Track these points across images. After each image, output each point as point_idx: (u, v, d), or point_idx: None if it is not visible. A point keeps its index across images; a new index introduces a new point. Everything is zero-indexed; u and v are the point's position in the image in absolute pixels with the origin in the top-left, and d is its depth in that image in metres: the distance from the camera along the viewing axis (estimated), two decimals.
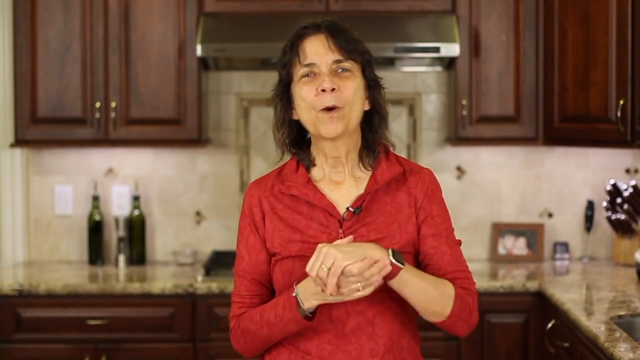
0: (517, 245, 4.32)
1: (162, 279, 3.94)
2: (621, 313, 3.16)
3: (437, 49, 3.93)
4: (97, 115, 4.06)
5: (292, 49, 2.09)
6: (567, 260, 4.32)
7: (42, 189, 4.38)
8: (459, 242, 2.15)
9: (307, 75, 2.07)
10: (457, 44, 3.93)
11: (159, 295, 3.83)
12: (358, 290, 1.92)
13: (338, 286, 1.91)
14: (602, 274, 4.01)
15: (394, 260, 1.94)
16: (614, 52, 3.67)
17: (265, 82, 4.33)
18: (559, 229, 4.39)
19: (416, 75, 4.38)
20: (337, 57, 2.06)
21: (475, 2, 4.05)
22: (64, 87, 4.06)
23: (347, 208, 2.09)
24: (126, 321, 3.82)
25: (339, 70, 2.06)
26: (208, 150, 4.37)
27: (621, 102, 3.63)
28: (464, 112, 4.06)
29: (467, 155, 4.38)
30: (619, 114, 3.63)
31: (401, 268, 1.95)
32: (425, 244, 2.10)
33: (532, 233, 4.31)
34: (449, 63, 4.18)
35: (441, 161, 4.37)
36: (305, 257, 2.01)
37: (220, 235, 4.40)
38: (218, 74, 4.37)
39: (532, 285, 3.80)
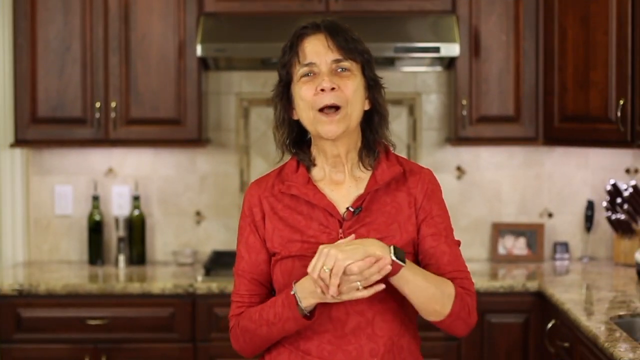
0: (517, 245, 4.32)
1: (162, 279, 3.94)
2: (621, 313, 3.16)
3: (437, 49, 3.93)
4: (97, 115, 4.06)
5: (292, 49, 2.09)
6: (567, 260, 4.32)
7: (42, 189, 4.38)
8: (458, 243, 2.15)
9: (307, 75, 2.07)
10: (457, 44, 3.93)
11: (159, 295, 3.83)
12: (357, 289, 1.93)
13: (338, 286, 1.91)
14: (602, 274, 4.01)
15: (395, 258, 1.94)
16: (614, 52, 3.67)
17: (265, 82, 4.33)
18: (559, 229, 4.39)
19: (416, 75, 4.38)
20: (337, 56, 2.06)
21: (475, 2, 4.05)
22: (64, 87, 4.06)
23: (347, 208, 2.09)
24: (126, 321, 3.82)
25: (339, 70, 2.07)
26: (208, 150, 4.37)
27: (621, 102, 3.63)
28: (464, 112, 4.06)
29: (467, 155, 4.38)
30: (619, 114, 3.63)
31: (402, 266, 1.95)
32: (424, 244, 2.10)
33: (532, 233, 4.31)
34: (449, 63, 4.18)
35: (441, 161, 4.37)
36: (305, 257, 2.02)
37: (220, 235, 4.40)
38: (218, 74, 4.37)
39: (532, 285, 3.80)
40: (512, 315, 3.83)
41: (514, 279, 3.90)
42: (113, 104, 4.05)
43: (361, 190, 2.11)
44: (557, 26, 3.95)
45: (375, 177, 2.11)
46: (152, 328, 3.82)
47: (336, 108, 2.05)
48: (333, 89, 2.04)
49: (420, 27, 4.01)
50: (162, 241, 4.41)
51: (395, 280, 1.98)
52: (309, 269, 1.92)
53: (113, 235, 4.36)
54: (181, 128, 4.08)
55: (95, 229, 4.29)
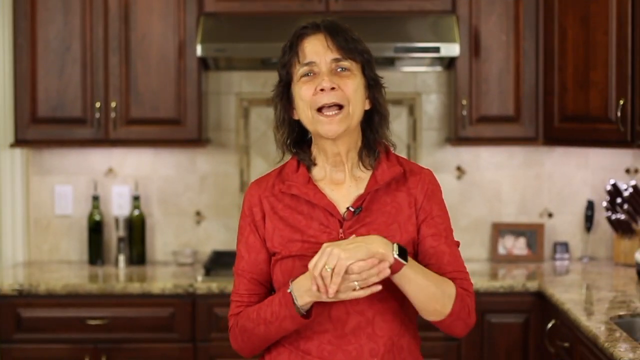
0: (517, 245, 4.32)
1: (162, 279, 3.94)
2: (621, 313, 3.16)
3: (437, 49, 3.93)
4: (97, 115, 4.06)
5: (292, 49, 2.09)
6: (567, 260, 4.32)
7: (42, 189, 4.38)
8: (458, 244, 2.15)
9: (307, 74, 2.07)
10: (457, 44, 3.93)
11: (159, 295, 3.83)
12: (354, 289, 1.92)
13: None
14: (602, 274, 4.01)
15: (397, 256, 1.94)
16: (614, 52, 3.67)
17: (265, 82, 4.33)
18: (559, 229, 4.39)
19: (416, 75, 4.38)
20: (336, 56, 2.06)
21: (475, 2, 4.05)
22: (64, 87, 4.06)
23: (348, 208, 2.09)
24: (126, 321, 3.82)
25: (339, 70, 2.07)
26: (208, 150, 4.37)
27: (621, 102, 3.63)
28: (464, 112, 4.06)
29: (467, 155, 4.38)
30: (619, 114, 3.63)
31: (404, 264, 1.95)
32: (424, 244, 2.10)
33: (532, 233, 4.31)
34: (449, 63, 4.18)
35: (441, 161, 4.37)
36: (305, 257, 2.02)
37: (220, 235, 4.40)
38: (218, 74, 4.37)
39: (532, 285, 3.80)
40: (512, 315, 3.83)
41: (514, 279, 3.90)
42: (113, 104, 4.05)
43: (361, 190, 2.11)
44: (557, 26, 3.95)
45: (375, 177, 2.11)
46: (152, 328, 3.82)
47: (339, 107, 2.05)
48: (333, 88, 2.04)
49: (420, 27, 4.01)
50: (162, 241, 4.41)
51: (396, 278, 1.98)
52: (310, 266, 1.92)
53: (113, 235, 4.36)
54: (181, 128, 4.08)
55: (95, 229, 4.29)
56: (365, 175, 2.14)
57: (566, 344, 3.31)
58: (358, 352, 2.04)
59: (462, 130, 4.07)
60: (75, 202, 4.38)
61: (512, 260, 4.30)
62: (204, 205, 4.40)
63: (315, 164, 2.15)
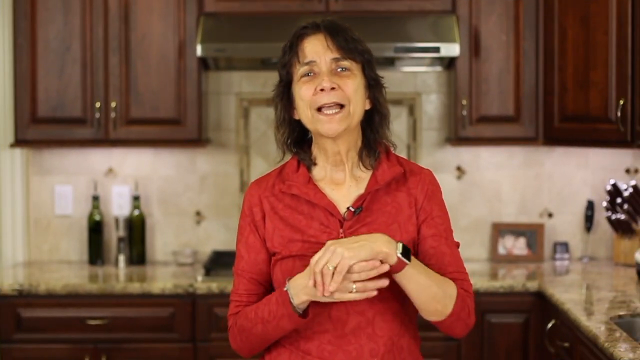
0: (517, 245, 4.32)
1: (162, 279, 3.94)
2: (621, 313, 3.16)
3: (437, 49, 3.93)
4: (97, 115, 4.06)
5: (292, 49, 2.09)
6: (567, 260, 4.32)
7: (42, 189, 4.38)
8: (458, 244, 2.15)
9: (307, 74, 2.07)
10: (457, 44, 3.93)
11: (159, 295, 3.83)
12: (351, 292, 1.92)
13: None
14: (602, 274, 4.01)
15: (400, 255, 1.93)
16: (614, 52, 3.67)
17: (265, 82, 4.33)
18: (559, 229, 4.39)
19: (416, 75, 4.38)
20: (336, 55, 2.06)
21: (475, 2, 4.05)
22: (64, 87, 4.06)
23: (348, 208, 2.09)
24: (126, 321, 3.82)
25: (339, 70, 2.07)
26: (208, 150, 4.37)
27: (621, 102, 3.63)
28: (464, 112, 4.06)
29: (467, 155, 4.38)
30: (619, 114, 3.63)
31: (407, 264, 1.95)
32: (425, 244, 2.10)
33: (532, 233, 4.31)
34: (449, 63, 4.18)
35: (441, 161, 4.37)
36: (305, 257, 2.02)
37: (220, 235, 4.40)
38: (218, 74, 4.37)
39: (532, 285, 3.80)
40: (512, 315, 3.83)
41: (514, 279, 3.90)
42: (113, 104, 4.05)
43: (361, 190, 2.11)
44: (557, 26, 3.95)
45: (375, 177, 2.11)
46: (152, 328, 3.82)
47: (340, 106, 2.05)
48: (333, 88, 2.05)
49: (420, 27, 4.01)
50: (162, 241, 4.41)
51: (399, 277, 1.98)
52: (312, 261, 1.92)
53: (113, 235, 4.36)
54: (181, 128, 4.08)
55: (95, 229, 4.29)
56: (365, 175, 2.14)
57: (566, 344, 3.31)
58: (358, 352, 2.04)
59: (462, 130, 4.07)
60: (75, 202, 4.38)
61: (512, 260, 4.30)
62: (204, 205, 4.40)
63: (315, 164, 2.15)
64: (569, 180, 4.37)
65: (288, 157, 2.18)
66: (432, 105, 4.38)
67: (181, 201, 4.40)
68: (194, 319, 3.83)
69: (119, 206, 4.36)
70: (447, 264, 2.09)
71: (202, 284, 3.82)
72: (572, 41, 3.88)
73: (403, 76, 4.37)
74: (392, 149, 2.17)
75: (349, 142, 2.11)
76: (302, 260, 2.03)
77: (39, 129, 4.07)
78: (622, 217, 4.15)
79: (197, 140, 4.08)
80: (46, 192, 4.38)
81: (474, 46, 4.05)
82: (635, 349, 2.65)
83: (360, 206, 2.09)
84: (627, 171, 4.32)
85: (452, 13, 4.05)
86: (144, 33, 4.06)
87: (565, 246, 4.33)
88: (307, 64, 2.07)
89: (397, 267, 1.95)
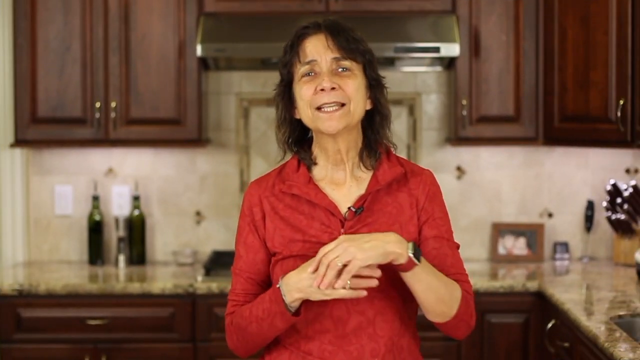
0: (517, 245, 4.32)
1: (162, 279, 3.94)
2: (621, 313, 3.16)
3: (437, 49, 3.93)
4: (97, 115, 4.06)
5: (293, 49, 2.09)
6: (567, 260, 4.32)
7: (42, 189, 4.38)
8: (458, 246, 2.15)
9: (308, 74, 2.07)
10: (457, 44, 3.93)
11: (159, 295, 3.83)
12: (344, 287, 1.92)
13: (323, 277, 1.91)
14: (602, 274, 4.01)
15: (412, 255, 1.93)
16: (614, 52, 3.67)
17: (265, 82, 4.33)
18: (559, 229, 4.39)
19: (416, 75, 4.38)
20: (337, 55, 2.06)
21: (475, 2, 4.05)
22: (64, 87, 4.06)
23: (349, 208, 2.09)
24: (126, 321, 3.82)
25: (340, 70, 2.07)
26: (208, 150, 4.37)
27: (621, 102, 3.63)
28: (464, 112, 4.06)
29: (467, 155, 4.38)
30: (619, 114, 3.63)
31: (416, 264, 1.95)
32: (427, 245, 2.09)
33: (532, 233, 4.31)
34: (449, 63, 4.18)
35: (441, 161, 4.37)
36: (306, 257, 2.02)
37: (220, 235, 4.40)
38: (218, 74, 4.37)
39: (532, 285, 3.80)
40: (512, 315, 3.83)
41: (514, 279, 3.90)
42: (113, 104, 4.05)
43: (362, 191, 2.11)
44: (557, 26, 3.95)
45: (376, 177, 2.11)
46: (152, 328, 3.82)
47: (341, 105, 2.05)
48: (333, 88, 2.04)
49: (420, 27, 4.01)
50: (162, 241, 4.41)
51: (407, 277, 1.97)
52: (321, 252, 1.91)
53: (113, 235, 4.36)
54: (181, 128, 4.08)
55: (95, 229, 4.29)
56: (366, 175, 2.14)
57: (566, 344, 3.31)
58: (359, 352, 2.04)
59: (462, 130, 4.07)
60: (75, 202, 4.38)
61: (512, 260, 4.30)
62: (204, 205, 4.40)
63: (315, 164, 2.15)
64: (569, 180, 4.37)
65: (289, 156, 2.18)
66: (432, 105, 4.38)
67: (181, 201, 4.40)
68: (194, 319, 3.83)
69: (119, 206, 4.36)
70: (449, 265, 2.09)
71: (202, 284, 3.82)
72: (572, 41, 3.88)
73: (403, 76, 4.37)
74: (392, 149, 2.17)
75: (349, 141, 2.11)
76: (302, 260, 2.03)
77: (39, 129, 4.07)
78: (622, 217, 4.15)
79: (197, 140, 4.08)
80: (46, 192, 4.38)
81: (474, 46, 4.06)
82: (635, 349, 2.65)
83: (362, 206, 2.09)
84: (627, 171, 4.32)
85: (452, 13, 4.05)
86: (144, 33, 4.06)
87: (565, 246, 4.33)
88: (307, 63, 2.07)
89: (407, 267, 1.95)
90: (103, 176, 4.37)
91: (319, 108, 2.05)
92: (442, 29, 3.98)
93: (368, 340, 2.05)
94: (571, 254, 4.37)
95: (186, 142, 4.09)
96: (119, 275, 4.07)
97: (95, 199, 4.29)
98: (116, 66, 4.05)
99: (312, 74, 2.07)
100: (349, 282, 1.91)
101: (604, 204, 4.24)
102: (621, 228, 4.16)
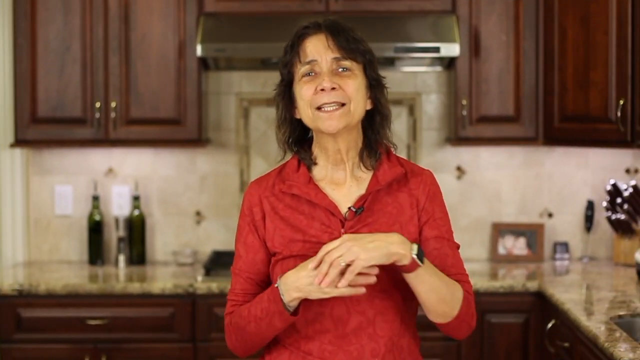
0: (517, 245, 4.32)
1: (162, 279, 3.94)
2: (621, 313, 3.16)
3: (437, 49, 3.93)
4: (97, 115, 4.06)
5: (293, 48, 2.10)
6: (567, 260, 4.32)
7: (42, 189, 4.38)
8: (458, 246, 2.15)
9: (308, 74, 2.07)
10: (457, 44, 3.93)
11: (159, 295, 3.83)
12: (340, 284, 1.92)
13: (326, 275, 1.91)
14: (602, 274, 4.01)
15: (415, 257, 1.94)
16: (614, 52, 3.67)
17: (265, 82, 4.33)
18: (559, 229, 4.39)
19: (416, 75, 4.38)
20: (337, 55, 2.06)
21: (475, 2, 4.05)
22: (64, 87, 4.06)
23: (349, 208, 2.09)
24: (126, 321, 3.82)
25: (340, 70, 2.07)
26: (208, 150, 4.37)
27: (621, 102, 3.63)
28: (464, 112, 4.06)
29: (467, 155, 4.38)
30: (619, 114, 3.63)
31: (419, 265, 1.95)
32: (427, 246, 2.09)
33: (532, 233, 4.31)
34: (449, 63, 4.18)
35: (441, 161, 4.37)
36: (306, 257, 2.01)
37: (220, 235, 4.40)
38: (218, 74, 4.37)
39: (532, 285, 3.80)
40: (512, 315, 3.83)
41: (514, 279, 3.90)
42: (113, 104, 4.05)
43: (362, 191, 2.11)
44: (557, 26, 3.95)
45: (377, 178, 2.11)
46: (152, 328, 3.82)
47: (342, 104, 2.05)
48: (334, 88, 2.04)
49: (420, 27, 4.01)
50: (162, 241, 4.41)
51: (410, 278, 1.98)
52: (323, 250, 1.91)
53: (113, 235, 4.36)
54: (181, 128, 4.08)
55: (95, 229, 4.29)
56: (366, 175, 2.13)
57: (566, 344, 3.31)
58: (359, 352, 2.04)
59: (462, 130, 4.07)
60: (75, 202, 4.38)
61: (512, 260, 4.30)
62: (204, 205, 4.40)
63: (316, 164, 2.15)
64: (569, 180, 4.37)
65: (289, 156, 2.18)
66: (432, 105, 4.38)
67: (181, 201, 4.40)
68: (194, 319, 3.83)
69: (119, 206, 4.36)
70: (450, 265, 2.09)
71: (202, 284, 3.82)
72: (572, 41, 3.88)
73: (403, 76, 4.37)
74: (392, 149, 2.17)
75: (349, 140, 2.11)
76: (303, 260, 2.03)
77: (39, 129, 4.07)
78: (622, 217, 4.15)
79: (197, 140, 4.08)
80: (46, 192, 4.38)
81: (474, 46, 4.05)
82: (635, 349, 2.65)
83: (362, 206, 2.09)
84: (627, 171, 4.32)
85: (452, 13, 4.05)
86: (144, 33, 4.06)
87: (565, 246, 4.33)
88: (308, 63, 2.07)
89: (410, 268, 1.95)
90: (103, 176, 4.37)
91: (319, 108, 2.05)
92: (442, 29, 3.98)
93: (368, 340, 2.05)
94: (571, 254, 4.37)
95: (186, 142, 4.09)
96: (119, 275, 4.07)
97: (95, 199, 4.29)
98: (116, 66, 4.05)
99: (313, 74, 2.07)
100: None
101: (604, 204, 4.24)
102: (621, 228, 4.16)
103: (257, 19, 4.05)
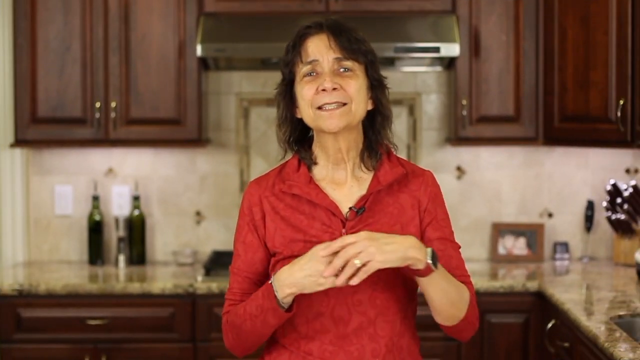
0: (517, 245, 4.32)
1: (162, 279, 3.94)
2: (621, 313, 3.16)
3: (437, 49, 3.93)
4: (97, 115, 4.06)
5: (295, 48, 2.09)
6: (567, 260, 4.32)
7: (42, 189, 4.38)
8: (459, 247, 2.16)
9: (310, 74, 2.07)
10: (457, 44, 3.93)
11: (159, 295, 3.83)
12: (335, 275, 1.91)
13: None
14: (602, 274, 4.01)
15: (430, 261, 1.93)
16: (614, 52, 3.67)
17: (265, 82, 4.33)
18: (559, 229, 4.39)
19: (416, 75, 4.38)
20: (338, 55, 2.06)
21: (475, 2, 4.05)
22: (64, 87, 4.06)
23: (350, 208, 2.09)
24: (126, 321, 3.82)
25: (341, 70, 2.07)
26: (208, 150, 4.37)
27: (621, 102, 3.63)
28: (464, 112, 4.06)
29: (467, 155, 4.38)
30: (619, 114, 3.63)
31: (433, 270, 1.95)
32: (431, 247, 2.09)
33: (532, 233, 4.31)
34: (449, 63, 4.18)
35: (441, 161, 4.37)
36: None
37: (220, 235, 4.40)
38: (218, 74, 4.37)
39: (532, 285, 3.80)
40: (512, 315, 3.83)
41: (514, 279, 3.90)
42: (113, 104, 4.05)
43: (363, 191, 2.11)
44: (557, 26, 3.95)
45: (378, 178, 2.11)
46: (152, 328, 3.82)
47: (343, 104, 2.05)
48: (335, 89, 2.04)
49: (420, 27, 4.01)
50: (162, 241, 4.41)
51: (423, 282, 1.97)
52: (340, 240, 1.90)
53: (113, 235, 4.36)
54: (181, 128, 4.08)
55: (95, 229, 4.29)
56: (367, 176, 2.13)
57: (566, 344, 3.31)
58: (360, 352, 2.04)
59: (462, 130, 4.07)
60: (75, 202, 4.38)
61: (512, 260, 4.30)
62: (204, 205, 4.40)
63: (316, 163, 2.15)
64: (569, 180, 4.37)
65: (289, 156, 2.18)
66: (432, 105, 4.38)
67: (181, 201, 4.40)
68: (194, 319, 3.83)
69: (119, 206, 4.36)
70: (454, 267, 2.09)
71: (202, 284, 3.82)
72: (572, 41, 3.88)
73: (403, 76, 4.37)
74: (393, 150, 2.17)
75: (350, 140, 2.11)
76: None
77: (39, 129, 4.07)
78: (622, 217, 4.15)
79: (197, 140, 4.08)
80: (46, 192, 4.38)
81: (474, 46, 4.06)
82: (635, 349, 2.65)
83: (363, 206, 2.08)
84: (627, 171, 4.32)
85: (452, 13, 4.05)
86: (144, 33, 4.06)
87: (565, 246, 4.33)
88: (309, 63, 2.07)
89: (424, 273, 1.94)
90: (103, 176, 4.37)
91: (320, 107, 2.05)
92: (442, 29, 3.98)
93: (369, 340, 2.04)
94: (571, 254, 4.37)
95: (186, 142, 4.09)
96: (119, 275, 4.07)
97: (95, 199, 4.29)
98: (116, 66, 4.05)
99: (314, 73, 2.07)
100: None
101: (604, 204, 4.24)
102: (621, 228, 4.16)
103: (257, 19, 4.05)
